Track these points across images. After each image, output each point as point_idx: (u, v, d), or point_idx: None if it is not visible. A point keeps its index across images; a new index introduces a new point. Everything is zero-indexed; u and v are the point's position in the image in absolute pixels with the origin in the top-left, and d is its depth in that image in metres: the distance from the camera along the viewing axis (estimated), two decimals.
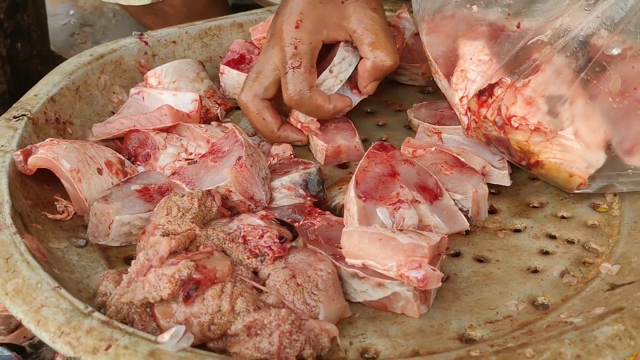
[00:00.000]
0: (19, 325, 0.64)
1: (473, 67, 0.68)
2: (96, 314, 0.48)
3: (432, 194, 0.65)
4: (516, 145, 0.66)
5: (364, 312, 0.56)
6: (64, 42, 1.50)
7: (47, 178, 0.66)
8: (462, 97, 0.69)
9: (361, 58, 0.77)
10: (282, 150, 0.76)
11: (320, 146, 0.76)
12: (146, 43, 0.87)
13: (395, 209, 0.61)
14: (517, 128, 0.64)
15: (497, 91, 0.64)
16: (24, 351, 0.64)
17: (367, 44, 0.75)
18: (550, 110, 0.63)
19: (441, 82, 0.74)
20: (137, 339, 0.46)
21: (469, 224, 0.65)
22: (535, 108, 0.63)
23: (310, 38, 0.74)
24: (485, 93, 0.65)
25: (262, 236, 0.58)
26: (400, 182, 0.64)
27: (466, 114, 0.69)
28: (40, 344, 0.63)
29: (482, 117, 0.66)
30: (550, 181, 0.69)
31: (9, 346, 0.65)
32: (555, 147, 0.64)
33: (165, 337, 0.46)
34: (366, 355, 0.52)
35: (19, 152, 0.64)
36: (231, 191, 0.62)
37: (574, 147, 0.64)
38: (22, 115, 0.69)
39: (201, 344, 0.51)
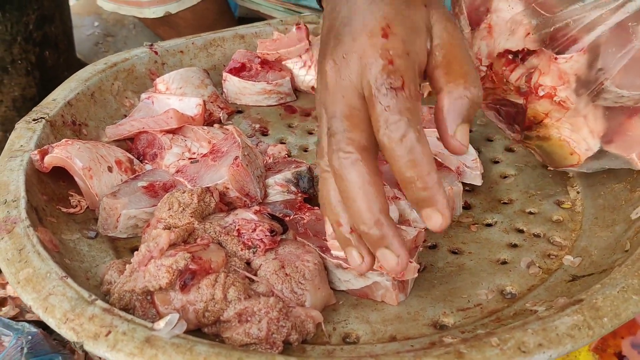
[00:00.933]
0: None
1: (505, 25, 0.58)
2: (99, 302, 0.46)
3: None
4: (532, 115, 0.57)
5: (347, 300, 0.54)
6: (89, 51, 1.47)
7: (62, 175, 0.63)
8: (480, 50, 0.60)
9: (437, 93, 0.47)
10: (278, 151, 0.73)
11: None
12: (156, 53, 0.84)
13: None
14: (542, 97, 0.57)
15: (532, 59, 0.56)
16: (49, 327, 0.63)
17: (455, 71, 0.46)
18: (576, 90, 0.56)
19: (461, 23, 0.63)
20: (134, 326, 0.44)
21: None
22: (567, 84, 0.56)
23: (407, 48, 0.45)
24: (518, 56, 0.57)
25: (254, 229, 0.55)
26: (383, 181, 0.61)
27: (483, 68, 0.60)
28: None
29: (504, 80, 0.58)
30: (544, 152, 0.62)
31: (36, 323, 0.63)
32: (567, 125, 0.59)
33: (160, 324, 0.44)
34: (348, 340, 0.50)
35: (36, 152, 0.62)
36: (228, 188, 0.60)
37: (582, 130, 0.59)
38: (41, 118, 0.67)
39: (196, 329, 0.49)
